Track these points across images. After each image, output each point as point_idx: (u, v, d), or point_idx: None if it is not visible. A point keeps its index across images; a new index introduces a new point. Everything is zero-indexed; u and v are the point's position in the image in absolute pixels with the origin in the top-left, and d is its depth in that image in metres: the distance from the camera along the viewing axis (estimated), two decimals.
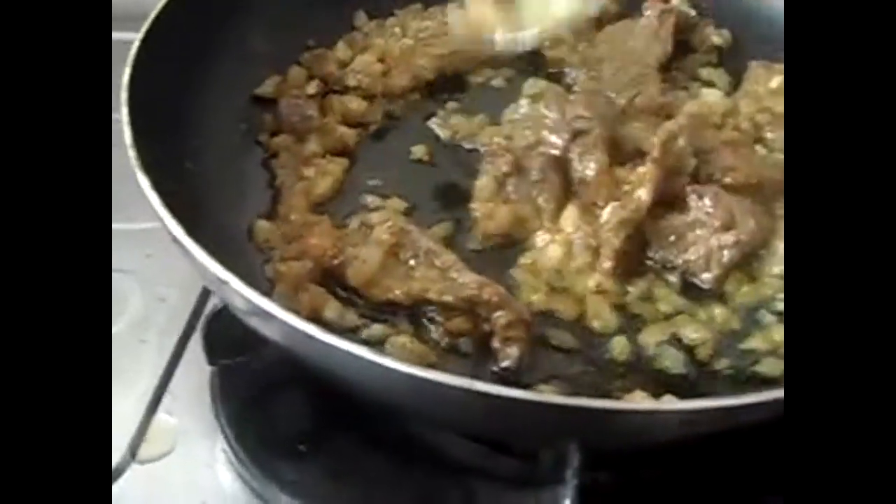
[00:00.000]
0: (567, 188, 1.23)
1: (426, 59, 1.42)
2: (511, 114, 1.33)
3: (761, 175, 1.24)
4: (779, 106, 1.34)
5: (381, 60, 1.42)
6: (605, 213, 1.18)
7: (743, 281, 1.19)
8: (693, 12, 1.51)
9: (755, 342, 1.14)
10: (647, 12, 1.48)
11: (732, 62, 1.48)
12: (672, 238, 1.19)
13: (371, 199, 1.26)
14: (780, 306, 1.17)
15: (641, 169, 1.19)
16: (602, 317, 1.14)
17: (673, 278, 1.19)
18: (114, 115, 0.91)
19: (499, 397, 0.87)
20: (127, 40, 1.19)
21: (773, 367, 1.11)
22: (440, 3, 1.51)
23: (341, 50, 1.43)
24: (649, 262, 1.20)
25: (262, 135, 1.32)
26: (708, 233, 1.18)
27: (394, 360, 0.90)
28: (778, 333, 1.14)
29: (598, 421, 0.91)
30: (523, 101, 1.32)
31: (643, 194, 1.17)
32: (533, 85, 1.33)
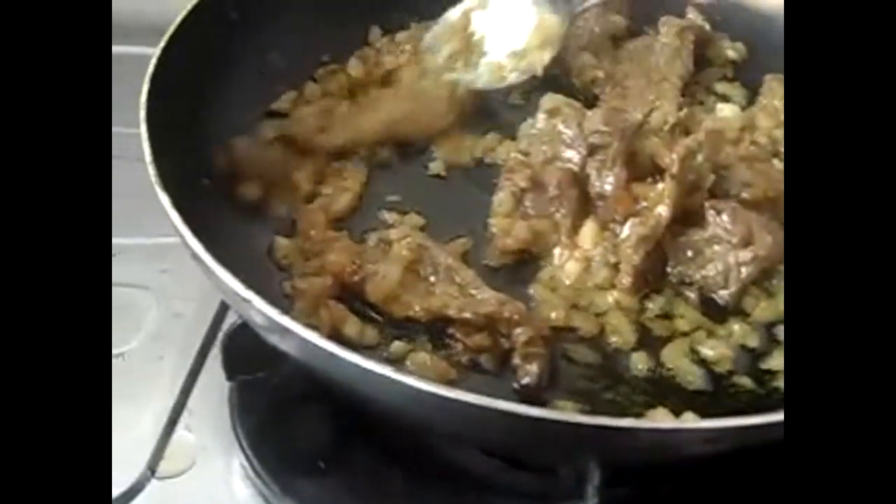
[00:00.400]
0: (585, 203, 1.23)
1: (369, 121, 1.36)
2: (528, 129, 1.33)
3: (778, 190, 1.24)
4: None
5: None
6: (625, 230, 1.18)
7: (760, 297, 1.19)
8: (707, 26, 1.51)
9: (774, 359, 1.14)
10: (664, 28, 1.47)
11: (747, 76, 1.48)
12: (690, 254, 1.19)
13: (389, 216, 1.26)
14: None
15: (660, 185, 1.19)
16: (621, 333, 1.14)
17: (691, 294, 1.19)
18: (114, 129, 0.90)
19: (519, 416, 0.87)
20: (127, 53, 1.20)
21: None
22: None
23: (353, 66, 1.43)
24: (668, 278, 1.20)
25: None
26: (726, 249, 1.18)
27: (415, 378, 0.91)
28: None
29: (618, 439, 0.90)
30: (540, 116, 1.32)
31: (663, 211, 1.17)
32: (550, 100, 1.33)
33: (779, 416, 0.89)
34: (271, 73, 1.38)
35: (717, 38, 1.51)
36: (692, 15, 1.51)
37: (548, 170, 1.24)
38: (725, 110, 1.39)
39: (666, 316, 1.17)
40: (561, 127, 1.27)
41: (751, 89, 1.44)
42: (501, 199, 1.25)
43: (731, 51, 1.51)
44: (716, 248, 1.19)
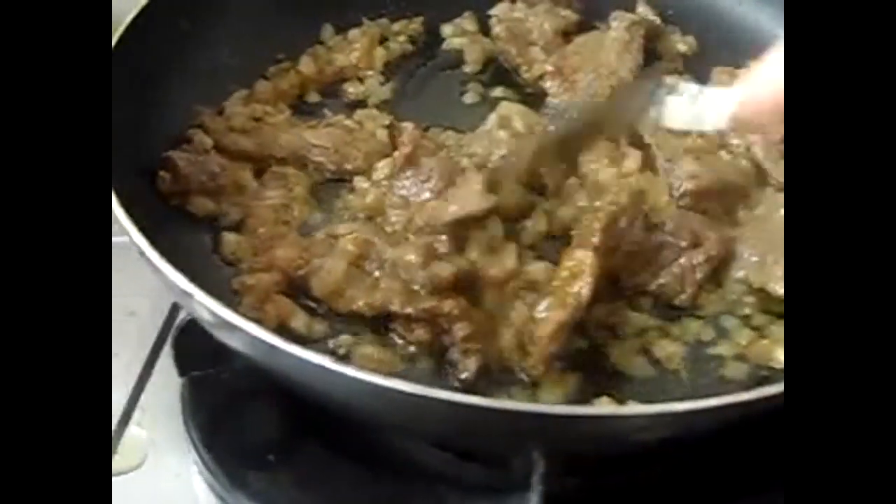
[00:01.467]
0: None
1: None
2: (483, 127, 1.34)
3: (725, 181, 1.25)
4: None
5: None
6: (540, 313, 1.10)
7: (710, 290, 1.20)
8: (658, 20, 1.52)
9: (722, 348, 1.16)
10: (615, 23, 1.48)
11: (698, 68, 1.48)
12: (642, 264, 1.19)
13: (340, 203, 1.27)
14: (746, 310, 1.19)
15: (579, 253, 1.12)
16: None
17: (646, 302, 1.20)
18: None
19: (457, 404, 0.89)
20: None
21: (736, 371, 1.13)
22: (405, 18, 1.53)
23: (305, 64, 1.43)
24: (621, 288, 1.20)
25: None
26: (676, 253, 1.19)
27: (354, 369, 0.92)
28: (743, 338, 1.16)
29: (557, 427, 0.92)
30: (492, 118, 1.34)
31: (583, 290, 1.09)
32: (504, 108, 1.35)
33: (717, 402, 0.91)
34: (223, 72, 1.38)
35: (667, 32, 1.52)
36: (643, 9, 1.53)
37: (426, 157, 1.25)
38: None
39: (618, 324, 1.17)
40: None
41: (701, 82, 1.43)
42: (378, 166, 1.27)
43: (682, 44, 1.51)
44: (665, 253, 1.19)
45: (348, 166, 1.29)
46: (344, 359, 1.11)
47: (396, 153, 1.25)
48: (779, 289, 1.16)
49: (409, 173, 1.23)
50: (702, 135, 1.33)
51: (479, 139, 1.30)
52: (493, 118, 1.33)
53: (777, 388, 0.95)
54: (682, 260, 1.19)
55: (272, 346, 0.94)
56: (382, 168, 1.26)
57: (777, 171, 1.28)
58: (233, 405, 1.16)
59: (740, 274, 1.20)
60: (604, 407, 1.01)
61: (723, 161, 1.30)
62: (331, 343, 1.12)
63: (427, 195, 1.21)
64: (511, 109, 1.35)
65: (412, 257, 1.13)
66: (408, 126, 1.30)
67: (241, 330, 0.96)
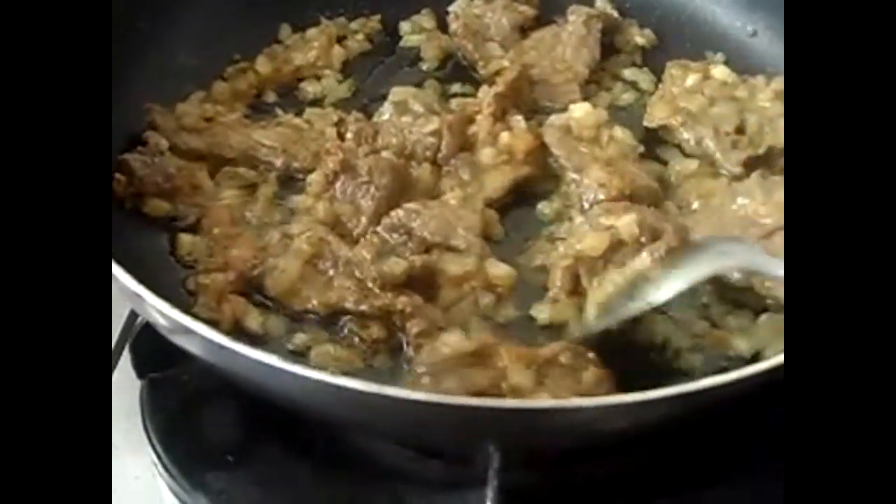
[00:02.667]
0: (398, 193, 1.24)
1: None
2: (377, 117, 1.35)
3: (634, 186, 1.25)
4: (693, 105, 1.35)
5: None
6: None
7: None
8: (616, 13, 1.52)
9: (678, 338, 1.16)
10: (572, 17, 1.48)
11: (656, 61, 1.49)
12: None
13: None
14: (703, 299, 1.19)
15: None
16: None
17: None
18: None
19: (402, 400, 0.89)
20: None
21: (692, 361, 1.14)
22: (363, 16, 1.53)
23: (261, 63, 1.43)
24: None
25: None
26: (636, 251, 1.18)
27: (304, 368, 0.92)
28: (698, 327, 1.16)
29: (505, 421, 0.92)
30: (387, 106, 1.35)
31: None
32: (399, 92, 1.37)
33: (656, 394, 0.92)
34: (181, 73, 1.39)
35: (625, 25, 1.52)
36: (601, 2, 1.53)
37: (363, 157, 1.26)
38: (577, 110, 1.35)
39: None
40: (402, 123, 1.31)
41: (659, 74, 1.45)
42: (312, 179, 1.26)
43: (640, 37, 1.51)
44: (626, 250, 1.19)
45: (297, 165, 1.29)
46: (301, 357, 1.11)
47: (325, 166, 1.26)
48: (735, 275, 1.17)
49: (345, 179, 1.24)
50: (612, 138, 1.33)
51: (387, 129, 1.31)
52: (387, 107, 1.35)
53: (726, 377, 0.95)
54: (644, 254, 1.19)
55: (223, 347, 0.94)
56: (315, 182, 1.26)
57: (730, 162, 1.29)
58: (191, 406, 1.16)
59: None
60: (550, 400, 1.01)
61: (631, 170, 1.29)
62: (287, 342, 1.13)
63: (374, 193, 1.22)
64: (405, 94, 1.36)
65: (365, 254, 1.13)
66: (355, 121, 1.33)
67: (193, 332, 0.96)
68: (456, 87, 1.44)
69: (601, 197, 1.24)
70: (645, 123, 1.38)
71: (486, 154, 1.29)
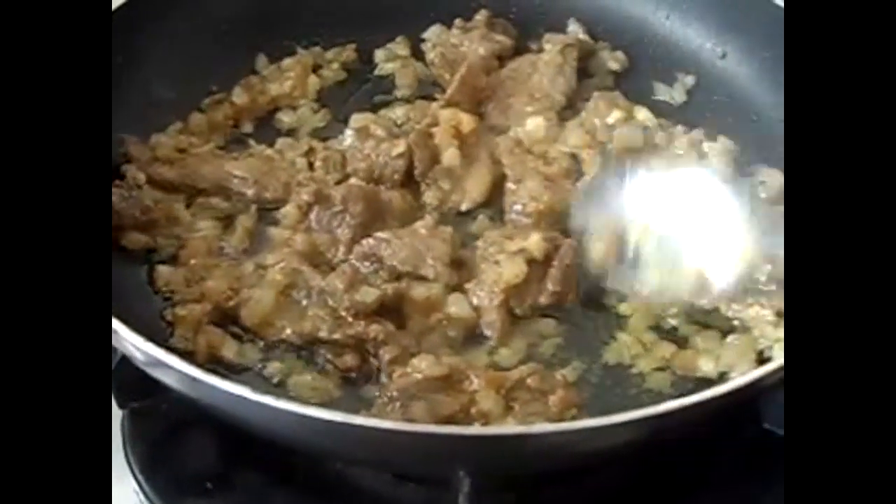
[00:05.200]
0: (371, 220, 1.26)
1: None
2: (337, 144, 1.38)
3: (564, 205, 1.29)
4: (610, 142, 1.38)
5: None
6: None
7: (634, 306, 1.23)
8: (589, 38, 1.54)
9: (643, 363, 1.19)
10: (548, 45, 1.50)
11: (628, 83, 1.51)
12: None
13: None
14: (672, 322, 1.22)
15: None
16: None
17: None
18: None
19: (370, 429, 0.92)
20: None
21: (659, 382, 1.16)
22: (337, 45, 1.54)
23: (237, 95, 1.45)
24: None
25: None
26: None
27: (275, 399, 0.95)
28: (665, 348, 1.19)
29: (469, 447, 0.95)
30: (348, 133, 1.37)
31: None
32: (359, 119, 1.39)
33: (621, 418, 0.94)
34: (159, 105, 1.40)
35: (598, 49, 1.54)
36: (573, 27, 1.55)
37: (335, 186, 1.29)
38: (530, 124, 1.40)
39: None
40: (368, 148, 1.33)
41: (631, 97, 1.47)
42: (286, 211, 1.29)
43: (613, 61, 1.53)
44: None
45: (268, 195, 1.31)
46: (278, 386, 1.14)
47: (298, 198, 1.28)
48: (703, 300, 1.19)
49: (320, 210, 1.26)
50: (556, 158, 1.36)
51: (353, 155, 1.34)
52: (349, 133, 1.37)
53: (690, 399, 0.98)
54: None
55: (197, 380, 0.97)
56: (290, 215, 1.28)
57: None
58: (171, 435, 1.18)
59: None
60: (516, 427, 1.04)
61: (565, 188, 1.32)
62: (263, 371, 1.15)
63: (349, 221, 1.25)
64: (364, 119, 1.39)
65: (338, 284, 1.15)
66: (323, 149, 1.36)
67: (168, 365, 0.98)
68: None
69: (530, 209, 1.27)
70: (556, 145, 1.39)
71: (449, 156, 1.32)
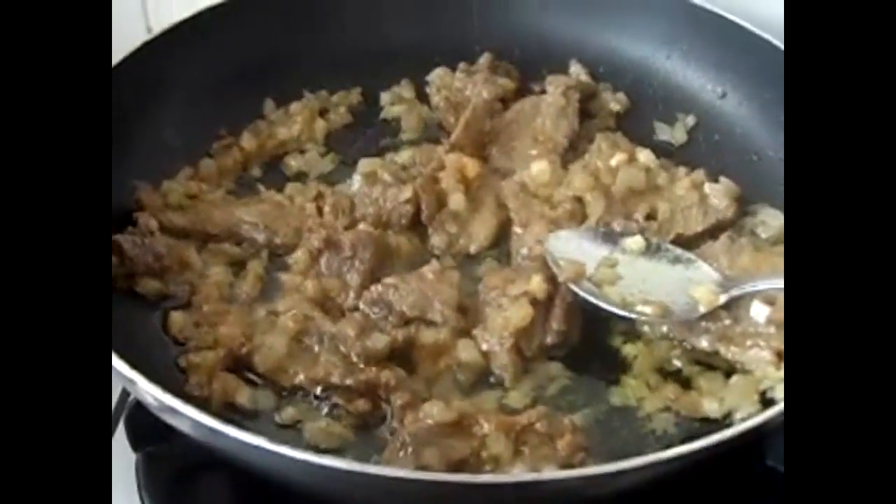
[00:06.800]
0: (380, 263, 1.29)
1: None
2: (345, 189, 1.40)
3: None
4: (614, 185, 1.39)
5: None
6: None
7: (639, 348, 1.25)
8: (590, 79, 1.56)
9: (648, 405, 1.20)
10: (550, 88, 1.52)
11: (630, 124, 1.54)
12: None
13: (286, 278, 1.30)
14: (676, 364, 1.24)
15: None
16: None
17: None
18: None
19: (382, 477, 0.95)
20: None
21: (664, 423, 1.18)
22: (343, 89, 1.56)
23: (246, 140, 1.47)
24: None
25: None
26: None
27: (289, 448, 0.97)
28: (670, 390, 1.21)
29: (475, 494, 0.97)
30: (356, 178, 1.40)
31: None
32: (367, 164, 1.41)
33: (607, 468, 0.97)
34: (168, 151, 1.42)
35: (600, 91, 1.57)
36: (575, 68, 1.57)
37: (344, 232, 1.31)
38: (535, 167, 1.42)
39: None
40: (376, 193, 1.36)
41: (632, 137, 1.49)
42: (297, 257, 1.30)
43: (614, 103, 1.56)
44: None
45: (278, 240, 1.34)
46: (293, 432, 1.15)
47: (309, 243, 1.30)
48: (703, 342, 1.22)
49: (329, 255, 1.29)
50: (566, 199, 1.38)
51: (361, 200, 1.37)
52: (357, 178, 1.39)
53: (696, 444, 1.00)
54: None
55: (212, 429, 0.99)
56: (300, 260, 1.30)
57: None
58: (186, 478, 1.21)
59: (664, 328, 1.25)
60: (524, 473, 1.05)
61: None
62: (277, 416, 1.17)
63: (358, 267, 1.27)
64: (372, 165, 1.41)
65: (349, 330, 1.17)
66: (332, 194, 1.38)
67: (183, 414, 1.01)
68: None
69: (536, 253, 1.30)
70: (561, 189, 1.40)
71: (455, 200, 1.35)
